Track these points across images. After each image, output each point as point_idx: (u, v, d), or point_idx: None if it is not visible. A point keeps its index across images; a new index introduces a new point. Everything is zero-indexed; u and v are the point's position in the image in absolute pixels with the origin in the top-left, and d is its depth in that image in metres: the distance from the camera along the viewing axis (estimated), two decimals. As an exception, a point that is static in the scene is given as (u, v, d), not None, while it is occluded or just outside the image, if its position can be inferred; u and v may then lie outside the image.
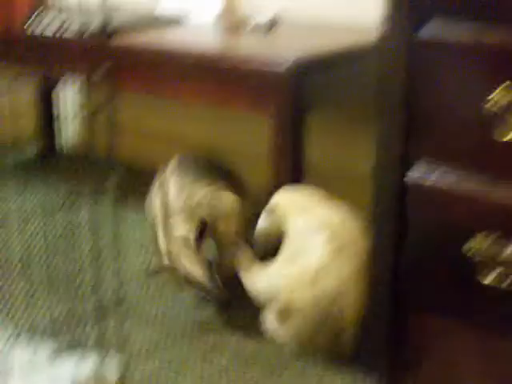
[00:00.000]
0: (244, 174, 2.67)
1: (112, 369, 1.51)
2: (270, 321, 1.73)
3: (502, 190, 1.36)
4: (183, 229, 1.83)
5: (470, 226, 1.40)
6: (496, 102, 1.33)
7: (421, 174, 1.45)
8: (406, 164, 1.46)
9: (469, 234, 1.40)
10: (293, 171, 1.89)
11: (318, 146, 2.40)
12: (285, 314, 1.68)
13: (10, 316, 1.81)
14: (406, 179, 1.46)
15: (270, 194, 1.90)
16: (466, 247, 1.40)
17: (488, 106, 1.34)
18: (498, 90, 1.32)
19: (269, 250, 1.83)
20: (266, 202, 1.87)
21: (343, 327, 1.66)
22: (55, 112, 3.06)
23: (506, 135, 1.33)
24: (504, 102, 1.32)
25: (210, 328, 1.84)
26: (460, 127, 1.39)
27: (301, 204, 1.77)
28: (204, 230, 1.85)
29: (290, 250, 1.71)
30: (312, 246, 1.67)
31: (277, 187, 1.88)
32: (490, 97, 1.33)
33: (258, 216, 1.84)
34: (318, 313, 1.64)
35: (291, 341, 1.69)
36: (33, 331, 1.45)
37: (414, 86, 1.43)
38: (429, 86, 1.41)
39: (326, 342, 1.67)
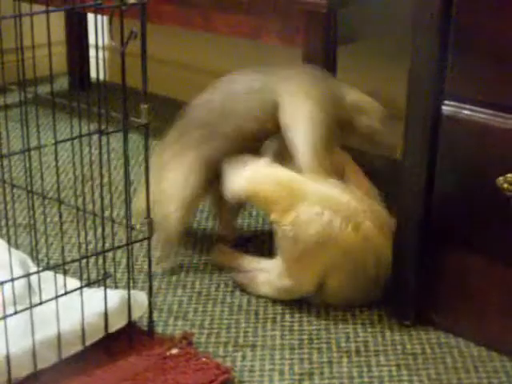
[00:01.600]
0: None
1: (142, 294, 1.53)
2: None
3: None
4: None
5: (505, 158, 1.39)
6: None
7: (456, 106, 1.43)
8: (441, 96, 1.45)
9: (504, 167, 1.39)
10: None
11: (350, 82, 2.37)
12: None
13: (41, 248, 1.84)
14: (442, 109, 1.44)
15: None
16: (500, 180, 1.39)
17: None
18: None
19: None
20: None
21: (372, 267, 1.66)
22: (87, 43, 3.06)
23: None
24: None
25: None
26: (496, 61, 1.37)
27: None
28: None
29: None
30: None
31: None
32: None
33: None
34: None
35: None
36: (63, 263, 1.47)
37: (449, 17, 1.41)
38: (466, 19, 1.39)
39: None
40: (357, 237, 1.60)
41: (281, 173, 1.66)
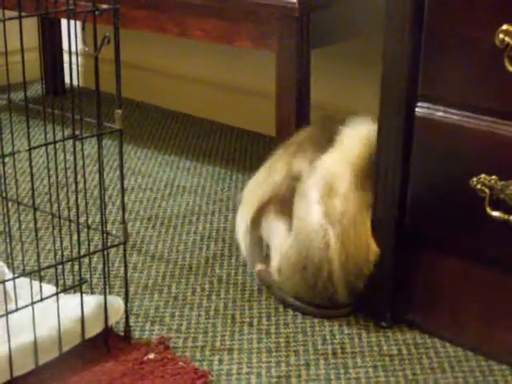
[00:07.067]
0: (250, 112, 2.67)
1: (118, 300, 1.53)
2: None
3: (509, 128, 1.36)
4: None
5: (478, 159, 1.40)
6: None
7: (429, 107, 1.44)
8: (414, 98, 1.46)
9: (477, 168, 1.40)
10: (298, 109, 1.88)
11: (324, 84, 2.39)
12: None
13: (17, 254, 1.83)
14: (415, 111, 1.45)
15: (277, 132, 1.90)
16: (473, 181, 1.40)
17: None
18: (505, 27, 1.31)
19: None
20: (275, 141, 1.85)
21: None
22: (60, 49, 3.05)
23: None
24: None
25: (215, 264, 1.85)
26: (467, 62, 1.38)
27: None
28: None
29: None
30: None
31: (282, 125, 1.88)
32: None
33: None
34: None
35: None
36: (39, 270, 1.47)
37: (420, 20, 1.42)
38: (438, 22, 1.40)
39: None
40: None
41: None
